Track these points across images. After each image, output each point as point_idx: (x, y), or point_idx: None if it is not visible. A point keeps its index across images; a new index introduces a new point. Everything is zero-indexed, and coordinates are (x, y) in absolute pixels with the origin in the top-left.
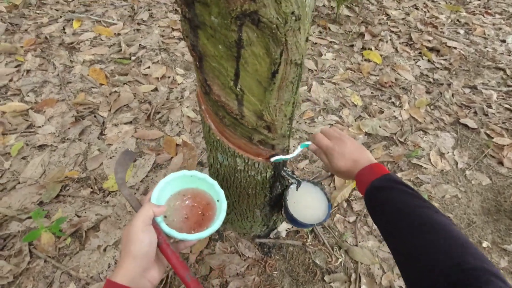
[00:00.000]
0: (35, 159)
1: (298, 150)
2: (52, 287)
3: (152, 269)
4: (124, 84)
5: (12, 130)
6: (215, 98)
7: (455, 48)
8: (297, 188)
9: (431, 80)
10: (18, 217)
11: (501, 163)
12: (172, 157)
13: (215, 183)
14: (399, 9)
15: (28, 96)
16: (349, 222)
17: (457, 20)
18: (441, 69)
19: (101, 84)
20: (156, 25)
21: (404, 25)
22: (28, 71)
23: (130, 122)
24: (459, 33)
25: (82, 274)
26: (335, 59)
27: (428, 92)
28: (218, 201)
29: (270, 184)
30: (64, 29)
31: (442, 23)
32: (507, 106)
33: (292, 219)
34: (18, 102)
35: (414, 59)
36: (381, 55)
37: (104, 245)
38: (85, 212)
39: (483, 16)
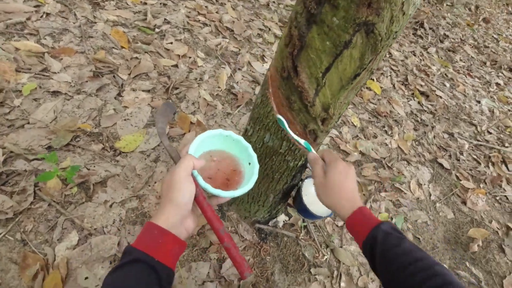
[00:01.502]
0: (48, 103)
1: (300, 140)
2: (54, 231)
3: (189, 218)
4: (145, 52)
5: (25, 69)
6: (297, 83)
7: (440, 97)
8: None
9: (418, 119)
10: (24, 155)
11: (464, 202)
12: (185, 133)
13: (249, 146)
14: (400, 51)
15: (45, 39)
16: (337, 225)
17: (445, 74)
18: (427, 112)
19: (122, 47)
20: (183, 5)
21: (403, 66)
22: (47, 14)
23: (148, 91)
24: (445, 85)
25: (87, 224)
26: None
27: (415, 129)
28: (250, 164)
29: (295, 172)
30: None
31: (433, 73)
32: (474, 157)
33: (304, 209)
34: (34, 43)
35: (407, 98)
36: (381, 87)
37: (110, 201)
38: (94, 166)
39: (466, 76)
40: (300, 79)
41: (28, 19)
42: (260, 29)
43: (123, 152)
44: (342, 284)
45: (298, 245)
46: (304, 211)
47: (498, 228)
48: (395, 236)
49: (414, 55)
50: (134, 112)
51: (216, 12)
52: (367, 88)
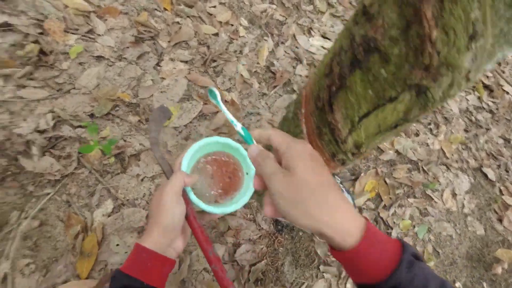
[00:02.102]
0: (92, 68)
1: (237, 125)
2: (93, 197)
3: (178, 239)
4: (187, 17)
5: (73, 30)
6: (331, 120)
7: (507, 93)
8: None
9: (473, 119)
10: (70, 122)
11: (500, 220)
12: (218, 111)
13: (240, 147)
14: None
15: None
16: None
17: None
18: (486, 111)
19: (165, 9)
20: None
21: None
22: None
23: (186, 62)
24: None
25: (120, 195)
26: None
27: (466, 130)
28: (247, 174)
29: None
30: None
31: (506, 61)
32: None
33: None
34: (81, 0)
35: (466, 91)
36: None
37: (142, 176)
38: (130, 138)
39: None
40: (335, 117)
41: None
42: None
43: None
44: (348, 285)
45: (312, 241)
46: None
47: None
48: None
49: None
50: (170, 85)
51: None
52: None
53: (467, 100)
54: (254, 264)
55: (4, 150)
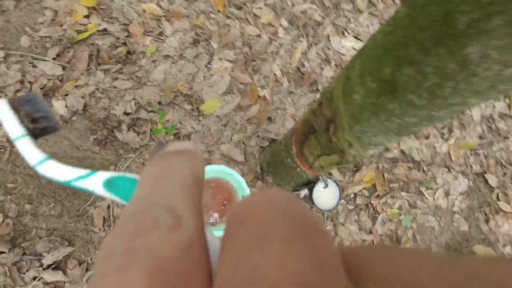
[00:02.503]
0: (161, 65)
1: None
2: None
3: None
4: (236, 18)
5: (149, 32)
6: (303, 151)
7: None
8: (324, 186)
9: (492, 126)
10: (145, 107)
11: (487, 221)
12: (251, 105)
13: (242, 180)
14: None
15: (163, 1)
16: (348, 208)
17: None
18: (510, 118)
19: (219, 11)
20: None
21: None
22: None
23: (231, 61)
24: None
25: None
26: None
27: (481, 137)
28: (243, 196)
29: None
30: None
31: None
32: None
33: (311, 204)
34: (155, 5)
35: (495, 98)
36: None
37: None
38: (185, 122)
39: None
40: (304, 151)
41: None
42: None
43: (204, 114)
44: None
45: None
46: (313, 204)
47: (509, 253)
48: None
49: None
50: (217, 80)
51: None
52: None
53: (494, 106)
54: None
55: (105, 124)
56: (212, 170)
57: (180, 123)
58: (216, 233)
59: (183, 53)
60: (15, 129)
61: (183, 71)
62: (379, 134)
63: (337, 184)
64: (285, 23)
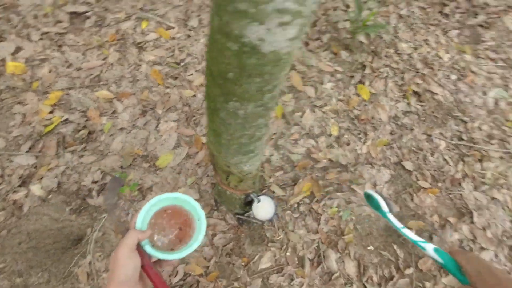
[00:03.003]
0: (118, 137)
1: (427, 248)
2: (127, 216)
3: None
4: (174, 86)
5: (104, 113)
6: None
7: (436, 94)
8: (257, 202)
9: (400, 123)
10: (110, 173)
11: (412, 199)
12: (198, 151)
13: (197, 204)
14: (410, 42)
15: (112, 86)
16: (294, 216)
17: (457, 62)
18: (413, 113)
19: (159, 84)
20: (203, 32)
21: (405, 62)
22: (111, 64)
23: (175, 121)
24: (450, 78)
25: None
26: (333, 89)
27: (391, 133)
28: (199, 220)
29: (244, 198)
30: (135, 27)
31: (442, 64)
32: (446, 157)
33: (254, 218)
34: (106, 91)
35: (396, 100)
36: (370, 92)
37: None
38: (145, 178)
39: (486, 61)
40: (217, 176)
41: (101, 71)
42: None
43: (160, 168)
44: (288, 253)
45: (262, 229)
46: (254, 218)
47: (436, 221)
48: None
49: (427, 44)
50: (166, 138)
51: None
52: (356, 94)
53: (397, 108)
54: (225, 245)
55: (78, 194)
56: (168, 198)
57: (141, 179)
58: (174, 256)
59: (134, 123)
60: None
61: (137, 137)
62: (234, 156)
63: (271, 198)
64: None
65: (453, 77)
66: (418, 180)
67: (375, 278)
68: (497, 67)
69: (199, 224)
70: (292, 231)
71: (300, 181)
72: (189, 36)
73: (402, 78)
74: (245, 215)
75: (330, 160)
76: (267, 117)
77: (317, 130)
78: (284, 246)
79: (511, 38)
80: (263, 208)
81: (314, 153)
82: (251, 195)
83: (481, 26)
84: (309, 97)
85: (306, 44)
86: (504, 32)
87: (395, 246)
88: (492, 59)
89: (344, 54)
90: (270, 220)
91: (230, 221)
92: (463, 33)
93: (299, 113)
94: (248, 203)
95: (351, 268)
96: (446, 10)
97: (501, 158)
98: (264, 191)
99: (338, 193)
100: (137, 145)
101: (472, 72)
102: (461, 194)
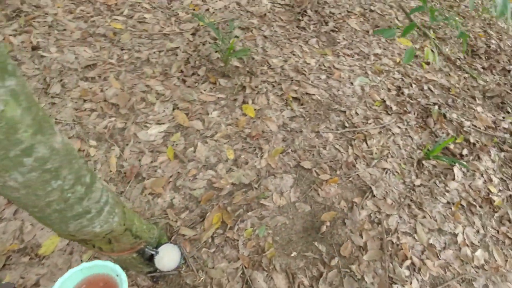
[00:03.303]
0: None
1: None
2: None
3: None
4: None
5: None
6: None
7: (313, 95)
8: (155, 254)
9: (289, 129)
10: None
11: (318, 194)
12: None
13: (116, 266)
14: (280, 56)
15: None
16: (211, 252)
17: (323, 64)
18: (299, 117)
19: None
20: (69, 96)
21: (280, 74)
22: None
23: None
24: (321, 78)
25: None
26: (220, 116)
27: (284, 140)
28: (117, 275)
29: (142, 255)
30: None
31: (311, 68)
32: (337, 146)
33: (158, 271)
34: None
35: (280, 110)
36: (255, 109)
37: None
38: (27, 274)
39: (344, 57)
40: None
41: None
42: (143, 91)
43: (45, 255)
44: None
45: (181, 277)
46: (158, 271)
47: (345, 206)
48: None
49: (294, 55)
50: None
51: (101, 91)
52: (243, 114)
53: (283, 116)
54: None
55: None
56: (81, 269)
57: (22, 278)
58: None
59: (1, 215)
60: None
61: (7, 231)
62: (68, 223)
63: (173, 243)
64: (93, 142)
65: (323, 76)
66: (318, 175)
67: (306, 282)
68: (354, 60)
69: (119, 278)
70: (213, 267)
71: (208, 214)
72: (54, 104)
73: (281, 89)
74: (157, 271)
75: (233, 184)
76: (62, 175)
77: (213, 159)
78: (208, 287)
79: (358, 35)
80: (168, 257)
81: (216, 182)
82: (146, 250)
83: (333, 31)
84: (198, 130)
85: (184, 81)
86: (352, 32)
87: (316, 243)
88: (349, 55)
89: (222, 81)
90: (179, 266)
91: (144, 282)
92: (321, 40)
93: (192, 149)
94: (150, 258)
95: (280, 281)
96: (302, 24)
97: (380, 133)
98: (173, 237)
99: (249, 213)
100: (9, 240)
101: (337, 69)
102: (357, 174)
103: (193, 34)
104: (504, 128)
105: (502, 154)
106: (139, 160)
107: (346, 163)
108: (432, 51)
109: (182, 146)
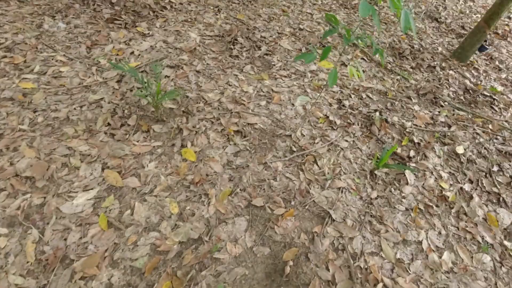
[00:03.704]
0: None
1: None
2: None
3: None
4: None
5: None
6: None
7: (255, 124)
8: None
9: (234, 166)
10: None
11: (276, 232)
12: None
13: None
14: (215, 89)
15: None
16: None
17: (261, 90)
18: (244, 150)
19: None
20: None
21: (218, 108)
22: None
23: None
24: (261, 105)
25: None
26: (157, 167)
27: (231, 180)
28: None
29: None
30: None
31: (249, 96)
32: (287, 175)
33: None
34: None
35: (223, 147)
36: (196, 151)
37: None
38: None
39: (282, 79)
40: None
41: None
42: (65, 156)
43: None
44: None
45: None
46: None
47: (305, 239)
48: None
49: (230, 85)
50: None
51: (10, 164)
52: (183, 160)
53: (226, 153)
54: None
55: None
56: None
57: None
58: None
59: None
60: None
61: None
62: None
63: None
64: (3, 230)
65: (263, 103)
66: (273, 210)
67: None
68: (292, 80)
69: None
70: None
71: (156, 286)
72: None
73: (220, 124)
74: None
75: (181, 242)
76: None
77: (155, 218)
78: None
79: (292, 55)
80: None
81: (161, 245)
82: None
83: (267, 54)
84: (133, 188)
85: (112, 135)
86: (285, 53)
87: None
88: (286, 76)
89: (156, 127)
90: None
91: None
92: (255, 65)
93: (128, 211)
94: None
95: None
96: (234, 52)
97: (329, 150)
98: None
99: (203, 272)
100: None
101: (276, 92)
102: (313, 200)
103: (118, 82)
104: (442, 122)
105: (445, 147)
106: (65, 240)
107: (299, 191)
108: (354, 67)
109: (117, 211)
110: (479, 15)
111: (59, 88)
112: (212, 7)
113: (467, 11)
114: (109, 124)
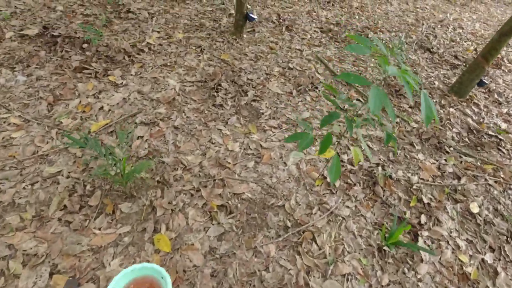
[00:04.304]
0: None
1: None
2: None
3: None
4: None
5: None
6: None
7: (243, 194)
8: None
9: (218, 255)
10: None
11: None
12: None
13: (162, 269)
14: (196, 150)
15: None
16: None
17: (249, 146)
18: (229, 232)
19: None
20: None
21: (198, 175)
22: None
23: None
24: (249, 167)
25: None
26: (122, 264)
27: (213, 276)
28: (162, 277)
29: None
30: None
31: (235, 156)
32: (281, 262)
33: None
34: None
35: (204, 229)
36: (171, 238)
37: None
38: None
39: (271, 131)
40: None
41: None
42: (2, 259)
43: None
44: None
45: None
46: None
47: None
48: None
49: (213, 143)
50: None
51: None
52: (155, 251)
53: (208, 237)
54: None
55: None
56: (132, 270)
57: None
58: None
59: None
60: None
61: None
62: None
63: None
64: None
65: (251, 164)
66: None
67: None
68: (283, 132)
69: (164, 280)
70: None
71: None
72: None
73: (201, 197)
74: None
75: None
76: None
77: None
78: None
79: (282, 99)
80: None
81: None
82: None
83: (254, 100)
84: None
85: (68, 223)
86: (275, 97)
87: None
88: (275, 127)
89: (124, 206)
90: None
91: None
92: (242, 115)
93: None
94: None
95: None
96: (218, 100)
97: (328, 222)
98: None
99: None
100: None
101: (265, 148)
102: None
103: (81, 147)
104: (450, 173)
105: (458, 206)
106: None
107: (297, 286)
108: (360, 147)
109: None
110: (470, 43)
111: (7, 160)
112: (194, 47)
113: (458, 39)
114: (65, 206)
